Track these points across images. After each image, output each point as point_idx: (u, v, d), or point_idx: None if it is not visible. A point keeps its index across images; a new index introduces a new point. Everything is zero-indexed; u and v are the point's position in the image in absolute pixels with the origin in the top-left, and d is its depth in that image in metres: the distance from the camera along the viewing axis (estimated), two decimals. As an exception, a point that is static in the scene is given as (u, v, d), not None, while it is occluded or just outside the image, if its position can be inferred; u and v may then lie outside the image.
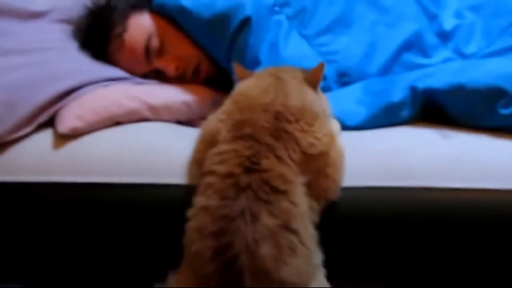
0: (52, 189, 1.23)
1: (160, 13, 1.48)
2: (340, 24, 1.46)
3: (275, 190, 1.02)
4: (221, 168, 1.04)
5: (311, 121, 1.11)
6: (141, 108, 1.34)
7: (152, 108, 1.35)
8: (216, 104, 1.39)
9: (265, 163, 1.03)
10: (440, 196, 1.20)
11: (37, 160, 1.25)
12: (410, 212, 1.20)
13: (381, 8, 1.49)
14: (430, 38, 1.46)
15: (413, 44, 1.44)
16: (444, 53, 1.45)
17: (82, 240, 1.25)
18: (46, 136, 1.28)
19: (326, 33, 1.45)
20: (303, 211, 1.05)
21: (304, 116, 1.10)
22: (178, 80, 1.47)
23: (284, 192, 1.02)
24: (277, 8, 1.47)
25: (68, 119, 1.27)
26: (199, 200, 1.04)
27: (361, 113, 1.32)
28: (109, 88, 1.35)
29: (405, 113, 1.30)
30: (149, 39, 1.46)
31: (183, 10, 1.43)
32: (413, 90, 1.29)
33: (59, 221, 1.24)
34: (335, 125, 1.26)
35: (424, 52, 1.44)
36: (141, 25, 1.48)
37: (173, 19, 1.47)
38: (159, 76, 1.48)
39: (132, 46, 1.46)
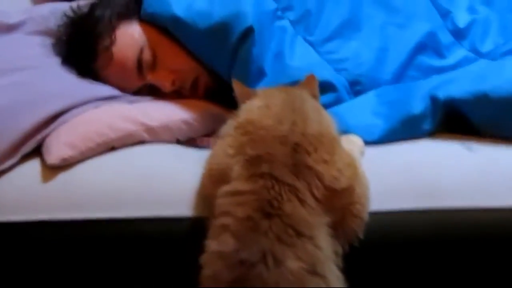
0: (44, 228, 1.10)
1: (151, 23, 1.34)
2: (348, 27, 1.35)
3: (300, 234, 0.92)
4: (238, 211, 0.93)
5: (330, 148, 1.01)
6: (138, 130, 1.21)
7: (150, 129, 1.22)
8: (217, 120, 1.29)
9: (288, 207, 0.93)
10: (470, 217, 1.10)
11: (24, 195, 1.12)
12: (439, 234, 1.10)
13: (391, 8, 1.38)
14: (444, 37, 1.36)
15: (427, 45, 1.34)
16: (460, 52, 1.35)
17: (79, 282, 1.13)
18: (33, 168, 1.15)
19: (334, 39, 1.34)
20: (328, 255, 0.95)
21: (323, 143, 1.00)
22: (175, 95, 1.35)
23: (309, 237, 0.93)
24: (279, 13, 1.35)
25: (58, 148, 1.14)
26: (212, 245, 0.93)
27: (378, 126, 1.22)
28: (100, 110, 1.23)
29: (427, 125, 1.21)
30: (140, 52, 1.32)
31: (176, 20, 1.29)
32: (434, 100, 1.20)
33: (53, 263, 1.12)
34: (357, 142, 1.16)
35: (439, 52, 1.34)
36: (130, 37, 1.34)
37: (166, 29, 1.33)
38: (154, 92, 1.35)
39: (122, 61, 1.33)
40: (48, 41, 1.39)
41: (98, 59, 1.33)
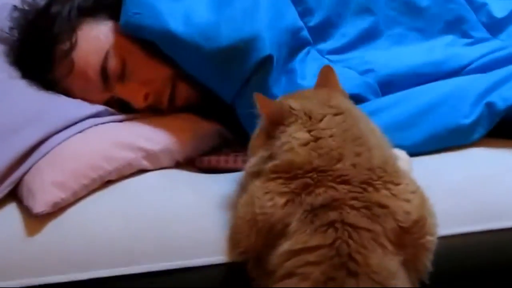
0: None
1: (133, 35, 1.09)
2: (367, 37, 1.18)
3: None
4: (314, 272, 0.74)
5: (395, 176, 0.83)
6: (137, 158, 0.99)
7: (151, 155, 1.00)
8: (214, 137, 1.12)
9: (374, 260, 0.75)
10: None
11: (3, 255, 0.87)
12: (503, 258, 0.95)
13: (415, 10, 1.20)
14: (478, 34, 1.21)
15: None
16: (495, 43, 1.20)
17: None
18: (10, 218, 0.91)
19: (353, 48, 1.17)
20: None
21: (388, 173, 0.83)
22: (151, 112, 1.11)
23: None
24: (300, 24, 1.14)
25: (44, 190, 0.89)
26: None
27: (416, 130, 1.04)
28: (88, 135, 0.99)
29: (477, 134, 1.05)
30: (105, 58, 1.08)
31: (172, 37, 1.03)
32: (490, 107, 1.04)
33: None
34: (404, 158, 0.97)
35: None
36: (94, 39, 1.10)
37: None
38: (125, 108, 1.10)
39: (84, 69, 1.08)
40: (1, 48, 1.13)
41: (56, 68, 1.09)
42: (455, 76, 1.15)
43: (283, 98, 0.92)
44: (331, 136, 0.83)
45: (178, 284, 0.88)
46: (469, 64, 1.16)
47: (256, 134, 0.91)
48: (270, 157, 0.85)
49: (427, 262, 0.85)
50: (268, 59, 1.03)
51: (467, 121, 1.04)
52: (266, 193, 0.81)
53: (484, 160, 1.04)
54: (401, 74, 1.13)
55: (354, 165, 0.81)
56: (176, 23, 1.04)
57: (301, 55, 1.13)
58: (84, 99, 1.08)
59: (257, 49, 1.02)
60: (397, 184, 0.83)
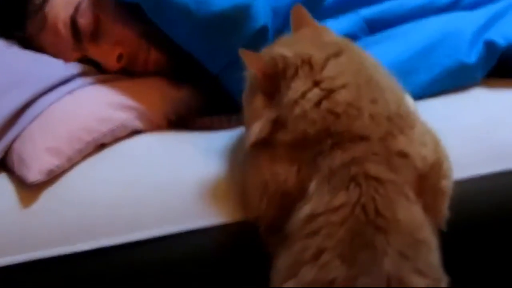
0: (32, 272, 0.81)
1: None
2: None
3: (419, 242, 0.72)
4: (339, 231, 0.69)
5: (409, 120, 0.78)
6: (130, 118, 0.93)
7: (143, 114, 0.94)
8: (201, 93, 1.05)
9: (402, 213, 0.71)
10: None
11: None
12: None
13: None
14: None
15: None
16: None
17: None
18: (3, 189, 0.85)
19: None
20: (437, 253, 0.76)
21: (403, 118, 0.77)
22: (122, 73, 1.03)
23: (424, 242, 0.73)
24: None
25: (37, 157, 0.83)
26: (308, 273, 0.69)
27: (417, 75, 1.00)
28: (79, 97, 0.92)
29: (479, 74, 1.02)
30: (76, 11, 1.00)
31: (160, 1, 0.95)
32: (490, 46, 1.00)
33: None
34: (409, 101, 0.90)
35: None
36: None
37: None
38: (98, 69, 1.03)
39: (55, 22, 1.02)
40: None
41: (29, 23, 1.03)
42: (448, 11, 1.09)
43: (266, 49, 0.82)
44: (343, 86, 0.75)
45: (186, 247, 0.84)
46: None
47: (249, 100, 0.81)
48: (278, 120, 0.76)
49: (444, 208, 0.82)
50: (263, 30, 0.95)
51: (470, 60, 1.00)
52: (276, 160, 0.75)
53: (491, 100, 1.00)
54: (388, 10, 1.07)
55: (372, 117, 0.74)
56: None
57: None
58: (56, 57, 1.01)
59: (251, 19, 0.94)
60: (412, 128, 0.78)
